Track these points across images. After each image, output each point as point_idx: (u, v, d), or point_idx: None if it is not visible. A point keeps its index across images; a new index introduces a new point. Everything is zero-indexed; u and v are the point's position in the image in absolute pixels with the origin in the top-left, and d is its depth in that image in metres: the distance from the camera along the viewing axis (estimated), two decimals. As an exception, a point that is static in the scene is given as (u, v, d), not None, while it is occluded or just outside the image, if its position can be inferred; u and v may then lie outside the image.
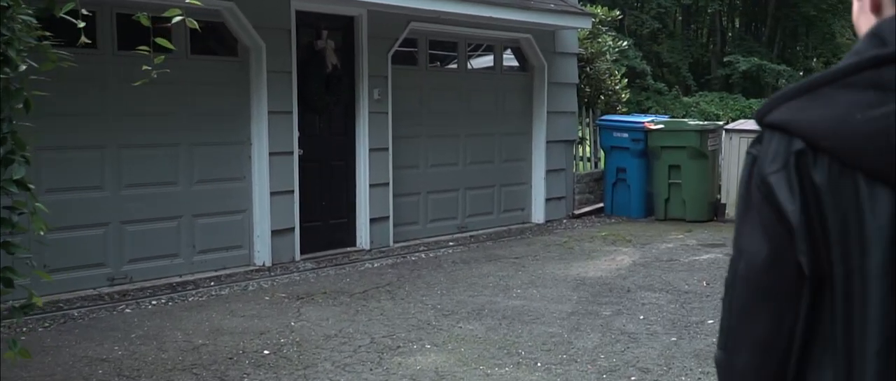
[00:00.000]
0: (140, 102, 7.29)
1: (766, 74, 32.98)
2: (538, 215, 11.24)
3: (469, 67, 10.52)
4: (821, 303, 1.32)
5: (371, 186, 9.10)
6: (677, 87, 40.01)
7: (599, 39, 12.56)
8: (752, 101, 34.77)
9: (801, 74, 31.93)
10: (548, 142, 11.14)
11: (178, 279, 7.55)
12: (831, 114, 1.27)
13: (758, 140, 1.36)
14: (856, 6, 1.42)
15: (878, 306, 1.26)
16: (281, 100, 8.21)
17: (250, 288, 7.37)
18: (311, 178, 8.66)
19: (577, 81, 11.66)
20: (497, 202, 10.81)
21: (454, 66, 10.45)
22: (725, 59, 38.46)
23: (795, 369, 1.35)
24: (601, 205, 12.00)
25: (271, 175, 8.17)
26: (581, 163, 12.26)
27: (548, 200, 11.25)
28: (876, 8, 1.36)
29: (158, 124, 7.52)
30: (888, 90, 1.24)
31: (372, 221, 9.13)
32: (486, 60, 10.84)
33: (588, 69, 12.22)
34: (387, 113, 9.20)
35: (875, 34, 1.31)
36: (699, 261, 8.63)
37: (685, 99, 37.05)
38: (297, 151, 8.38)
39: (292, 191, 8.38)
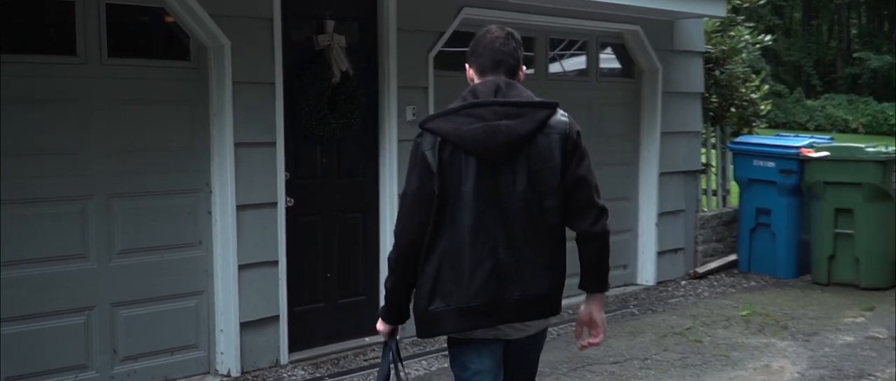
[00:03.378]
0: (33, 133, 4.69)
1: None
2: (647, 274, 8.19)
3: (551, 71, 7.52)
4: (443, 207, 2.95)
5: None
6: (799, 88, 36.06)
7: (732, 32, 9.41)
8: (886, 105, 30.70)
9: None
10: (661, 174, 8.08)
11: (81, 410, 4.82)
12: (453, 126, 2.96)
13: (420, 135, 3.02)
14: (469, 73, 3.21)
15: (468, 209, 2.94)
16: (256, 125, 5.41)
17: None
18: (309, 240, 5.84)
19: (702, 89, 8.56)
20: (590, 259, 7.79)
21: (529, 70, 7.47)
22: (855, 56, 34.28)
23: (430, 238, 2.97)
24: (733, 258, 8.86)
25: (241, 239, 5.37)
26: (705, 198, 9.14)
27: (660, 253, 8.19)
28: (472, 79, 3.17)
29: (56, 168, 4.80)
30: (477, 117, 2.97)
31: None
32: (576, 63, 7.83)
33: (717, 73, 9.09)
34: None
35: (473, 91, 3.07)
36: (907, 378, 5.49)
37: (809, 102, 33.19)
38: (283, 202, 5.56)
39: (276, 261, 5.56)
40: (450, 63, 6.66)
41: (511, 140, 2.93)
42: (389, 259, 3.07)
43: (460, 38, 6.62)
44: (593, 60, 7.79)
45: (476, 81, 3.12)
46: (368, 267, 6.18)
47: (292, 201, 5.65)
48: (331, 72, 5.74)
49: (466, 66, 3.19)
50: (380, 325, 3.19)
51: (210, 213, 5.36)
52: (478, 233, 2.92)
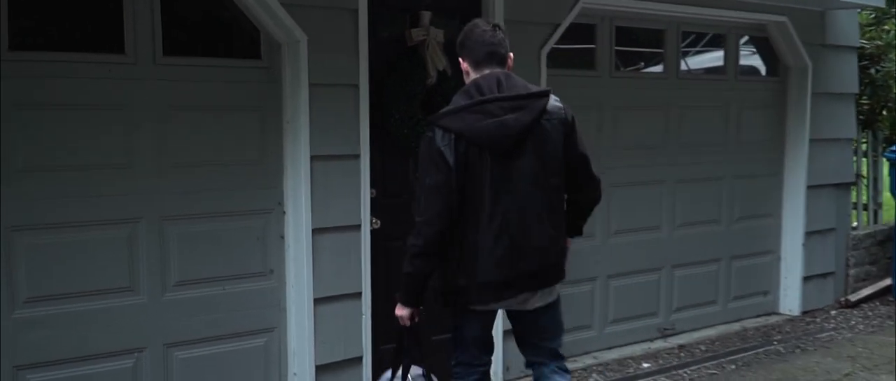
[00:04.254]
0: (70, 145, 4.00)
1: None
2: (791, 302, 7.09)
3: (682, 69, 6.51)
4: (461, 197, 3.24)
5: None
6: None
7: (887, 26, 8.19)
8: None
9: None
10: (809, 187, 6.97)
11: None
12: (465, 124, 3.24)
13: (431, 131, 3.30)
14: (463, 65, 3.50)
15: (485, 197, 3.26)
16: (337, 134, 4.60)
17: None
18: (397, 268, 4.98)
19: (856, 89, 7.40)
20: (724, 286, 6.76)
21: (657, 68, 6.48)
22: None
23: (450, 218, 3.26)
24: (888, 283, 7.65)
25: (317, 267, 4.58)
26: (855, 214, 7.95)
27: (806, 278, 7.08)
28: (467, 72, 3.47)
29: (97, 186, 4.10)
30: (487, 113, 3.24)
31: (506, 332, 5.37)
32: (710, 59, 6.80)
33: (872, 72, 7.89)
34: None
35: (477, 86, 3.35)
36: None
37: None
38: (368, 224, 4.74)
39: (359, 293, 4.75)
40: (564, 61, 5.76)
41: (519, 131, 3.27)
42: (413, 246, 3.32)
43: (577, 32, 5.72)
44: (732, 56, 6.72)
45: (472, 74, 3.46)
46: (468, 298, 5.31)
47: (378, 222, 4.82)
48: (426, 71, 4.89)
49: (460, 60, 3.52)
50: (400, 310, 3.49)
51: (283, 237, 4.57)
52: (493, 217, 3.29)
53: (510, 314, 3.63)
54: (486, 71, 3.41)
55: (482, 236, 3.30)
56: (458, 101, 3.35)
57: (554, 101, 3.41)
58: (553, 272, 3.47)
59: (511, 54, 3.49)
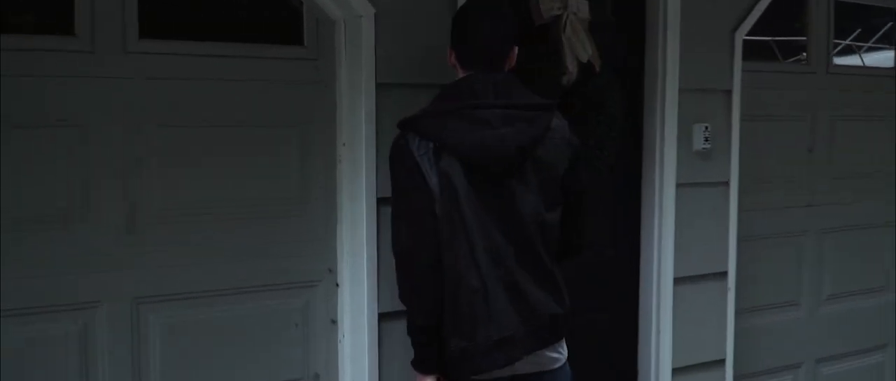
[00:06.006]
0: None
1: None
2: None
3: (836, 62, 4.55)
4: (442, 228, 2.40)
5: (677, 369, 3.59)
6: None
7: None
8: None
9: None
10: None
11: None
12: (452, 132, 2.38)
13: (402, 136, 2.45)
14: (451, 59, 2.56)
15: (473, 229, 2.40)
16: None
17: None
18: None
19: None
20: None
21: (888, 59, 4.56)
22: None
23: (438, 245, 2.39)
24: None
25: (387, 368, 2.92)
26: None
27: None
28: (454, 66, 2.56)
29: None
30: (482, 122, 2.39)
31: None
32: (880, 58, 4.80)
33: None
34: (726, 179, 3.66)
35: (468, 85, 2.47)
36: None
37: None
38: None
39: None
40: (764, 51, 3.96)
41: (519, 150, 2.44)
42: (405, 291, 2.49)
43: (777, 14, 3.90)
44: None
45: (459, 71, 2.57)
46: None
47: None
48: (562, 64, 3.15)
49: (449, 50, 2.60)
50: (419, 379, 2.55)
51: (335, 322, 2.94)
52: (488, 255, 2.44)
53: None
54: (480, 69, 2.53)
55: (475, 282, 2.43)
56: (445, 101, 2.50)
57: (557, 117, 2.58)
58: (562, 326, 2.59)
59: (515, 48, 2.59)
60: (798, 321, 4.22)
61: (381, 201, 2.83)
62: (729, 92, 3.60)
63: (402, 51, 2.86)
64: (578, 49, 3.15)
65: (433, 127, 2.42)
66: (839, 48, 4.31)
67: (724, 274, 3.71)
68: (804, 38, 4.16)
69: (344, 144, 2.89)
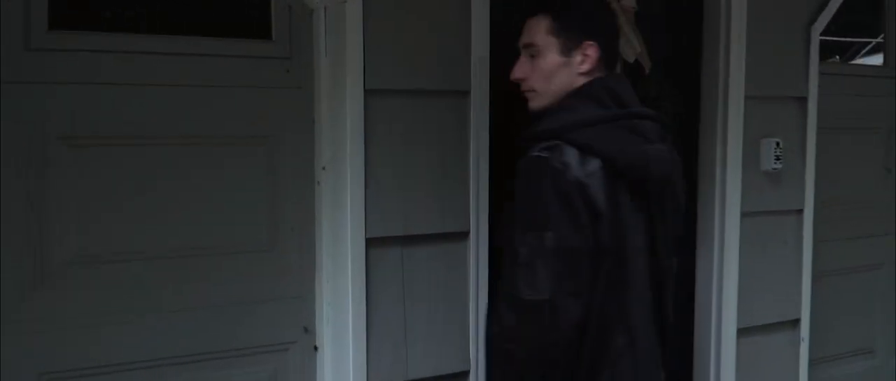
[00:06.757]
0: None
1: None
2: None
3: None
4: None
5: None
6: None
7: None
8: None
9: None
10: None
11: None
12: (613, 143, 1.82)
13: (549, 148, 1.79)
14: (556, 60, 1.92)
15: (637, 275, 1.88)
16: (422, 190, 2.27)
17: None
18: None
19: None
20: None
21: (873, 57, 3.92)
22: None
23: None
24: None
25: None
26: None
27: None
28: (586, 62, 1.92)
29: None
30: (639, 133, 1.86)
31: None
32: None
33: None
34: (800, 207, 3.00)
35: (607, 89, 1.90)
36: None
37: None
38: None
39: None
40: (838, 50, 3.31)
41: (673, 170, 1.98)
42: (530, 354, 1.84)
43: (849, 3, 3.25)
44: None
45: (594, 71, 1.96)
46: None
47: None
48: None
49: (586, 45, 1.94)
50: None
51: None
52: (649, 313, 1.94)
53: None
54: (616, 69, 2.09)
55: (637, 354, 1.89)
56: (586, 106, 1.91)
57: None
58: None
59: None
60: (874, 370, 3.56)
61: (371, 242, 2.17)
62: (804, 99, 2.95)
63: (398, 45, 2.20)
64: (624, 46, 2.50)
65: (597, 139, 1.84)
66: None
67: (796, 322, 3.05)
68: (879, 39, 3.50)
69: (324, 168, 2.23)
